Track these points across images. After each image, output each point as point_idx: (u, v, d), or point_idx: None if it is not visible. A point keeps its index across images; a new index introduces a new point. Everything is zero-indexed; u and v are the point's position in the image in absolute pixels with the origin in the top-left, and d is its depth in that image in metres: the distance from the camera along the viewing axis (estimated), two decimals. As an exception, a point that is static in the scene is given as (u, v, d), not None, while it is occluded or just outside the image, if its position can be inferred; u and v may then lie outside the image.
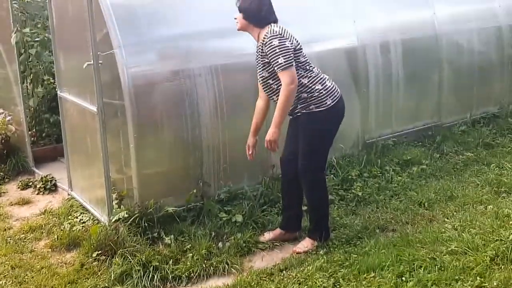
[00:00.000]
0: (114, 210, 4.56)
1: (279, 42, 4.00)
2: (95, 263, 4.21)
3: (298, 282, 3.92)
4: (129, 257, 4.13)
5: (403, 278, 3.84)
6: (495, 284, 3.70)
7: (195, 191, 4.76)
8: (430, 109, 6.56)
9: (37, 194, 5.60)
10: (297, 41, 4.14)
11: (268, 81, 4.18)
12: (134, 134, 4.52)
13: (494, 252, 4.02)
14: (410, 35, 6.23)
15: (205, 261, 4.18)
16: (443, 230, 4.47)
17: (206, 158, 4.89)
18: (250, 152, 4.47)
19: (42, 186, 5.65)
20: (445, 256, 4.04)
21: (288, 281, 3.94)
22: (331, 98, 4.19)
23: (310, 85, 4.15)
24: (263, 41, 4.07)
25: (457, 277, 3.80)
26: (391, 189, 5.29)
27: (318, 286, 3.85)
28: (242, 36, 5.09)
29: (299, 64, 4.12)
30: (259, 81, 4.29)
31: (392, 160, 5.80)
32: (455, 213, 4.81)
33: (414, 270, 3.92)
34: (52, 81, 6.27)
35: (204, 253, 4.24)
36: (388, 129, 6.20)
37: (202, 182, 4.82)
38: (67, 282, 4.06)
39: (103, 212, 4.72)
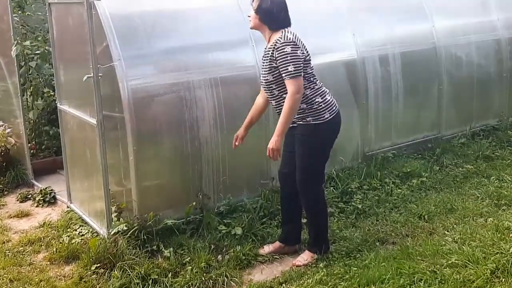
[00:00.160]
0: (113, 223, 4.54)
1: (291, 50, 3.99)
2: (94, 276, 4.19)
3: (298, 295, 3.91)
4: (128, 270, 4.12)
5: (404, 291, 3.83)
6: (496, 297, 3.69)
7: (194, 203, 4.75)
8: (430, 122, 6.57)
9: (36, 206, 5.59)
10: (307, 52, 4.13)
11: (272, 85, 4.16)
12: (133, 147, 4.52)
13: (494, 265, 4.00)
14: (409, 48, 6.26)
15: (205, 274, 4.16)
16: (443, 243, 4.46)
17: (205, 170, 4.89)
18: (236, 143, 4.49)
19: (41, 198, 5.64)
20: (445, 269, 4.03)
21: (288, 294, 3.93)
22: (329, 112, 4.19)
23: (311, 97, 4.14)
24: (275, 45, 4.03)
25: (457, 290, 3.79)
26: (391, 201, 5.28)
27: (318, 299, 3.84)
28: (241, 48, 5.16)
29: (305, 75, 4.10)
30: (262, 83, 4.26)
31: (392, 172, 5.80)
32: (455, 226, 4.80)
33: (415, 283, 3.90)
34: (52, 93, 6.28)
35: (203, 266, 4.22)
36: (388, 142, 6.21)
37: (202, 195, 4.81)
38: (66, 296, 4.04)
39: (102, 225, 4.71)
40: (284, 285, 4.06)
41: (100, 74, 4.37)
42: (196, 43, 4.94)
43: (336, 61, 5.68)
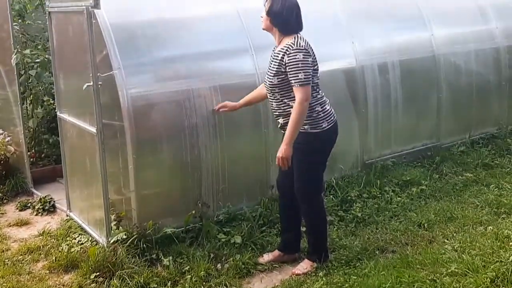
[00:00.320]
0: (112, 231, 4.54)
1: (303, 57, 3.98)
2: (93, 285, 4.18)
3: (298, 304, 3.90)
4: (127, 279, 4.12)
5: (403, 300, 3.83)
6: (495, 306, 3.68)
7: (194, 212, 4.74)
8: (429, 130, 6.58)
9: (36, 215, 5.58)
10: (316, 61, 4.14)
11: (275, 88, 4.15)
12: (133, 155, 4.53)
13: (494, 273, 3.99)
14: (408, 56, 6.27)
15: (204, 283, 4.16)
16: (443, 251, 4.45)
17: (205, 178, 4.89)
18: (220, 109, 4.69)
19: (40, 207, 5.63)
20: (445, 278, 4.02)
21: (287, 303, 3.92)
22: (327, 121, 4.19)
23: (312, 106, 4.13)
24: (287, 50, 4.02)
25: (457, 299, 3.79)
26: (391, 209, 5.28)
27: (318, 308, 3.83)
28: (241, 56, 5.18)
29: (311, 84, 4.11)
30: (266, 83, 4.24)
31: (392, 180, 5.80)
32: (455, 234, 4.79)
33: (414, 292, 3.90)
34: (52, 102, 6.29)
35: (202, 274, 4.22)
36: (387, 150, 6.21)
37: (201, 203, 4.81)
38: (65, 304, 4.04)
39: (102, 233, 4.71)
40: (283, 294, 4.06)
41: (99, 83, 4.38)
42: (195, 52, 4.95)
43: (335, 69, 5.69)
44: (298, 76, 3.97)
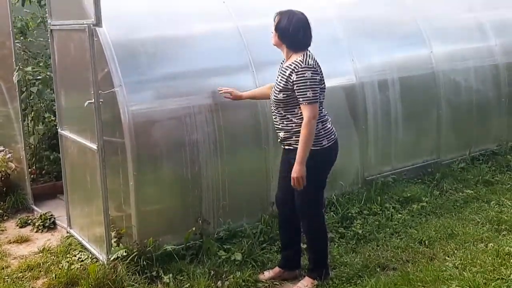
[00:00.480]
0: (112, 248, 4.53)
1: (311, 75, 4.01)
2: (93, 302, 4.17)
3: (298, 322, 3.88)
4: (127, 297, 4.10)
5: (404, 318, 3.81)
6: (497, 324, 3.66)
7: (194, 228, 4.74)
8: (429, 146, 6.59)
9: (36, 232, 5.57)
10: (323, 79, 4.16)
11: (280, 103, 4.16)
12: (133, 172, 4.53)
13: (495, 291, 3.99)
14: (408, 73, 6.30)
15: (204, 301, 4.15)
16: (444, 268, 4.44)
17: (205, 195, 4.89)
18: (223, 92, 4.76)
19: (41, 223, 5.62)
20: (446, 295, 4.01)
21: (288, 321, 3.90)
22: (327, 139, 4.20)
23: None
24: (295, 68, 4.03)
25: (459, 317, 3.77)
26: (392, 226, 5.27)
27: (318, 326, 3.81)
28: (241, 74, 5.20)
29: None
30: (271, 96, 4.25)
31: (392, 197, 5.79)
32: (455, 251, 4.78)
33: (415, 310, 3.89)
34: (53, 118, 6.31)
35: (203, 292, 4.21)
36: (388, 166, 6.22)
37: (202, 220, 4.80)
38: (65, 322, 4.02)
39: (102, 251, 4.70)
40: (284, 311, 4.04)
41: (101, 100, 4.40)
42: (196, 69, 4.97)
43: (335, 86, 5.70)
44: (306, 94, 3.99)
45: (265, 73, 5.02)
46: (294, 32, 4.12)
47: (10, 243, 5.35)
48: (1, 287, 4.50)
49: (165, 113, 4.70)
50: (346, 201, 5.58)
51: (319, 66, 4.13)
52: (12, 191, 6.11)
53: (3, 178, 6.06)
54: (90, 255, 4.85)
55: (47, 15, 5.27)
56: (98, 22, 4.23)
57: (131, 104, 4.52)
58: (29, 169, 6.21)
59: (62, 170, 5.44)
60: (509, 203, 5.72)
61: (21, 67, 5.83)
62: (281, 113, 4.18)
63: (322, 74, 4.14)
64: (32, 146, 6.45)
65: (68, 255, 4.93)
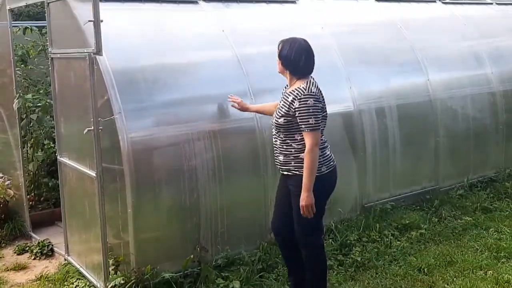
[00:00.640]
0: (110, 276, 4.51)
1: (313, 103, 4.04)
2: (90, 331, 4.13)
3: None
4: (125, 325, 4.07)
5: None
6: None
7: (192, 256, 4.72)
8: (427, 173, 6.60)
9: (34, 259, 5.55)
10: (325, 108, 4.20)
11: (280, 128, 4.18)
12: (132, 199, 4.53)
13: (495, 319, 3.97)
14: (405, 101, 6.35)
15: (202, 329, 4.11)
16: (443, 296, 4.42)
17: (203, 222, 4.88)
18: (232, 100, 4.80)
19: (38, 251, 5.60)
20: (446, 324, 3.98)
21: None
22: (326, 166, 4.21)
23: None
24: (298, 94, 4.06)
25: None
26: (390, 254, 5.26)
27: None
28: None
29: None
30: (272, 120, 4.28)
31: (391, 224, 5.78)
32: (455, 279, 4.76)
33: (415, 339, 3.86)
34: (52, 145, 6.32)
35: (201, 320, 4.18)
36: (386, 193, 6.22)
37: (200, 247, 4.79)
38: None
39: (99, 278, 4.67)
40: None
41: (100, 127, 4.42)
42: (195, 96, 5.01)
43: (333, 113, 5.70)
44: (308, 121, 4.02)
45: (263, 100, 5.05)
46: (296, 59, 4.18)
47: (8, 270, 5.32)
48: (-3, 315, 4.47)
49: (164, 140, 4.72)
50: (344, 228, 5.57)
51: (321, 94, 4.17)
52: (10, 218, 6.10)
53: (1, 205, 6.05)
54: (88, 283, 4.83)
55: (47, 43, 5.33)
56: (99, 50, 4.27)
57: (130, 131, 4.54)
58: (28, 196, 6.20)
59: (60, 197, 5.44)
60: (508, 230, 5.72)
61: (21, 95, 5.87)
62: (281, 137, 4.21)
63: (324, 102, 4.18)
64: (31, 173, 6.45)
65: (65, 283, 4.91)
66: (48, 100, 6.08)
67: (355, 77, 6.03)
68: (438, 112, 6.58)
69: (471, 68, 7.15)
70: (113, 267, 4.60)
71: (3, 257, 5.63)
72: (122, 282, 4.39)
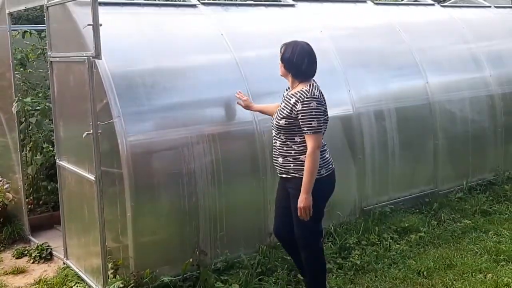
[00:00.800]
0: (109, 280, 4.51)
1: (316, 106, 4.06)
2: (89, 335, 4.13)
3: None
4: (124, 329, 4.06)
5: None
6: None
7: (191, 260, 4.71)
8: (426, 176, 6.60)
9: (33, 263, 5.54)
10: (327, 111, 4.21)
11: (281, 130, 4.20)
12: (131, 203, 4.53)
13: (494, 322, 3.97)
14: (404, 104, 6.36)
15: (201, 333, 4.11)
16: (442, 299, 4.42)
17: (202, 226, 4.88)
18: (240, 96, 4.85)
19: (37, 254, 5.59)
20: (445, 327, 3.98)
21: None
22: (325, 169, 4.22)
23: None
24: (300, 97, 4.08)
25: None
26: (390, 257, 5.25)
27: None
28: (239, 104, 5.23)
29: None
30: (273, 121, 4.29)
31: (390, 227, 5.78)
32: (454, 282, 4.76)
33: None
34: (51, 149, 6.32)
35: (200, 324, 4.17)
36: (385, 196, 6.22)
37: (199, 251, 4.78)
38: None
39: (99, 282, 4.67)
40: None
41: (99, 131, 4.42)
42: (194, 100, 5.01)
43: (332, 116, 5.66)
44: (311, 124, 4.03)
45: (262, 103, 5.05)
46: (298, 62, 4.20)
47: (6, 274, 5.32)
48: (-4, 319, 4.46)
49: (163, 143, 4.72)
50: (344, 231, 5.57)
51: (323, 98, 4.18)
52: (9, 222, 6.09)
53: (0, 209, 6.04)
54: (87, 287, 4.82)
55: (47, 47, 5.33)
56: (98, 54, 4.27)
57: (129, 135, 4.55)
58: (27, 200, 6.19)
59: (59, 201, 5.43)
60: (507, 233, 5.72)
61: (20, 98, 5.87)
62: (282, 139, 4.21)
63: (326, 105, 4.19)
64: (30, 176, 6.45)
65: (64, 287, 4.90)
66: (47, 104, 6.07)
67: (354, 80, 6.04)
68: (437, 115, 6.59)
69: (469, 71, 7.17)
70: (112, 270, 4.59)
71: (2, 260, 5.62)
72: (121, 286, 4.39)
